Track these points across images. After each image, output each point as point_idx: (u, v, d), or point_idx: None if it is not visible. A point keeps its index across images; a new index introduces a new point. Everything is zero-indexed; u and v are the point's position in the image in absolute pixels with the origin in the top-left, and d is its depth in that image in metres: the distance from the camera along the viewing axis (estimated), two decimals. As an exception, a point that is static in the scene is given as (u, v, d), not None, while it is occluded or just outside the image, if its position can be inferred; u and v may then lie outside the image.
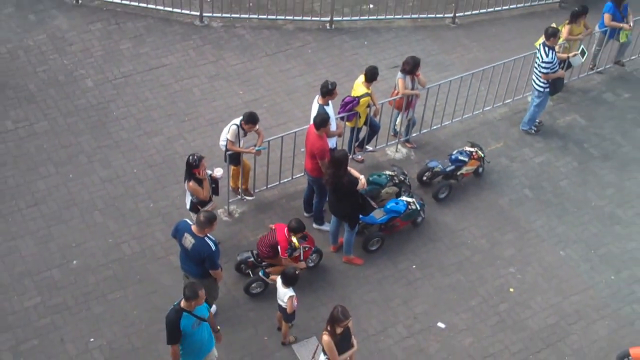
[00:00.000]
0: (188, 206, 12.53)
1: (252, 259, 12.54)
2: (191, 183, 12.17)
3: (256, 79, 16.14)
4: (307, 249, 12.51)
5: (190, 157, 12.09)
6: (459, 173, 14.37)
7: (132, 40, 16.59)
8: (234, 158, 13.28)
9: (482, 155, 14.56)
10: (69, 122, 14.94)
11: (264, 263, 12.48)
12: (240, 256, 12.71)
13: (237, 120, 13.10)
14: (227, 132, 13.11)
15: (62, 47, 16.30)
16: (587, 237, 14.08)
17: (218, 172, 12.59)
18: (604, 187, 14.94)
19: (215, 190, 12.70)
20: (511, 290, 13.16)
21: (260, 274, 12.44)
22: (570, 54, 15.60)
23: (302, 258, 12.43)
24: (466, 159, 14.35)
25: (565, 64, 15.70)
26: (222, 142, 13.29)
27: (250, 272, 12.62)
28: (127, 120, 15.08)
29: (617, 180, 15.09)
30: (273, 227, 12.42)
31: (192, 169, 12.11)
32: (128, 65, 16.10)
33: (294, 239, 12.10)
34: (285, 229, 12.17)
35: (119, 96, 15.48)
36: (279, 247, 12.11)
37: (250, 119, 12.99)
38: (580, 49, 15.68)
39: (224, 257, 12.32)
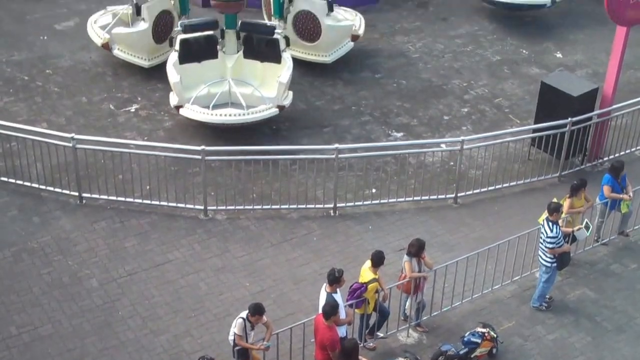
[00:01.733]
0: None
1: None
2: None
3: (262, 269, 16.09)
4: None
5: None
6: (472, 355, 14.08)
7: (136, 237, 16.64)
8: (243, 353, 13.06)
9: (495, 335, 14.33)
10: (74, 324, 14.76)
11: None
12: None
13: (244, 314, 12.97)
14: (234, 327, 12.96)
15: (67, 248, 16.33)
16: (611, 416, 13.68)
17: None
18: (622, 361, 14.66)
19: None
20: None
21: None
22: (575, 228, 15.63)
23: None
24: (479, 341, 14.12)
25: (570, 238, 15.71)
26: (231, 337, 13.12)
27: None
28: (133, 319, 14.91)
29: (633, 352, 14.77)
30: None
31: None
32: (133, 262, 16.08)
33: None
34: None
35: (124, 295, 15.37)
36: None
37: (256, 311, 12.89)
38: (585, 222, 15.72)
39: None
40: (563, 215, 15.61)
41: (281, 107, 19.00)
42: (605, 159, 19.25)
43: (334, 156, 17.14)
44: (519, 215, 17.54)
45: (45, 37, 22.86)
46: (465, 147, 17.76)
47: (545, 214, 15.20)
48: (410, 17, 24.72)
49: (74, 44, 21.80)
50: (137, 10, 20.75)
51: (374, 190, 18.05)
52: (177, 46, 19.35)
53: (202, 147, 16.82)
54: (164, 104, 20.30)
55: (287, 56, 19.51)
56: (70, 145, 16.95)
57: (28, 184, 17.66)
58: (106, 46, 20.81)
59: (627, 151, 19.50)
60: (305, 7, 21.04)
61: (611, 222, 17.00)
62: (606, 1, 17.37)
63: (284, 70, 19.14)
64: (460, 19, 24.63)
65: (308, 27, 21.15)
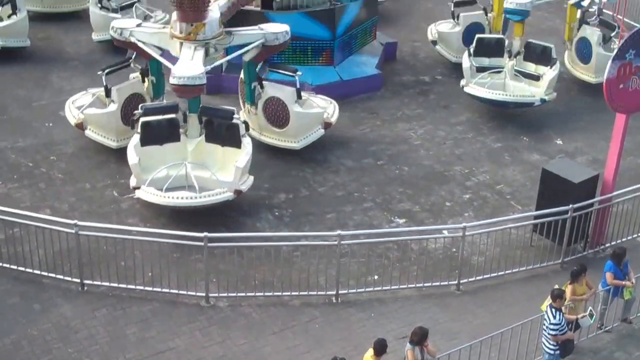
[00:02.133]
0: None
1: None
2: None
3: (264, 358, 15.94)
4: None
5: None
6: None
7: (137, 324, 16.54)
8: None
9: None
10: (74, 413, 14.63)
11: None
12: None
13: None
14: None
15: (67, 336, 16.22)
16: None
17: None
18: None
19: None
20: None
21: None
22: (579, 316, 15.56)
23: None
24: None
25: (574, 324, 15.62)
26: None
27: None
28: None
29: None
30: None
31: None
32: (134, 350, 15.94)
33: None
34: None
35: (124, 383, 15.27)
36: None
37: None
38: (589, 310, 15.66)
39: None
40: (566, 302, 15.56)
41: (238, 192, 19.02)
42: (607, 245, 19.22)
43: (336, 242, 17.15)
44: (522, 302, 17.45)
45: (51, 124, 23.10)
46: (467, 233, 17.78)
47: (548, 301, 15.15)
48: (412, 105, 25.00)
49: (78, 131, 21.96)
50: (107, 92, 21.14)
51: (376, 277, 17.98)
52: (138, 128, 19.59)
53: (205, 233, 16.85)
54: (167, 190, 20.39)
55: (247, 141, 19.67)
56: (73, 231, 16.99)
57: (30, 270, 17.62)
58: (80, 126, 21.18)
59: (629, 237, 19.47)
60: (275, 94, 21.34)
61: (614, 309, 16.90)
62: (605, 90, 17.59)
63: (242, 155, 19.28)
64: (460, 107, 24.89)
65: (277, 113, 21.42)
